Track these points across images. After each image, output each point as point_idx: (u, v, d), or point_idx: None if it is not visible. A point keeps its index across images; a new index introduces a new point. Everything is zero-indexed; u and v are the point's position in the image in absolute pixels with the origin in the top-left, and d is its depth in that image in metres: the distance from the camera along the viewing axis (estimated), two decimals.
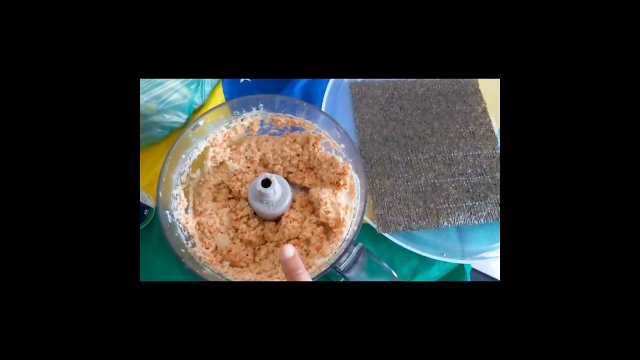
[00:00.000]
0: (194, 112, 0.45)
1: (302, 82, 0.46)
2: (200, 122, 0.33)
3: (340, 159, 0.35)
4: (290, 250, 0.26)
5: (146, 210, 0.40)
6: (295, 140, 0.38)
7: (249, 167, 0.37)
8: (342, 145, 0.35)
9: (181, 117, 0.43)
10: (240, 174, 0.37)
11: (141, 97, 0.39)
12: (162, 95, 0.40)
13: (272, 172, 0.38)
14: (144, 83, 0.39)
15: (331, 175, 0.36)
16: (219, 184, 0.37)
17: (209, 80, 0.45)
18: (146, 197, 0.40)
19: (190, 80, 0.43)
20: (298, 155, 0.38)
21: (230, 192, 0.37)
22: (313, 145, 0.37)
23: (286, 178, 0.37)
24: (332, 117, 0.35)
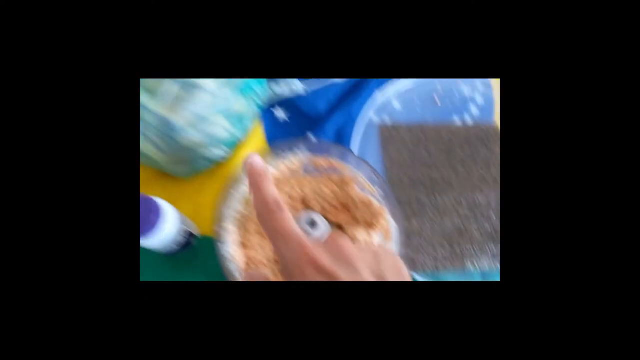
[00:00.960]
0: (236, 147, 0.49)
1: (334, 123, 0.50)
2: None
3: (375, 202, 0.38)
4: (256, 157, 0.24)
5: (194, 240, 0.43)
6: (332, 181, 0.41)
7: (291, 205, 0.41)
8: (379, 191, 0.38)
9: (225, 151, 0.47)
10: None
11: (191, 132, 0.43)
12: (210, 130, 0.44)
13: (310, 208, 0.41)
14: (193, 119, 0.43)
15: (366, 216, 0.39)
16: None
17: (251, 116, 0.49)
18: (191, 225, 0.43)
19: (235, 117, 0.46)
20: (335, 194, 0.41)
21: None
22: (349, 186, 0.40)
23: (323, 215, 0.40)
24: (369, 163, 0.38)
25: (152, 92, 0.41)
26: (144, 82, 0.41)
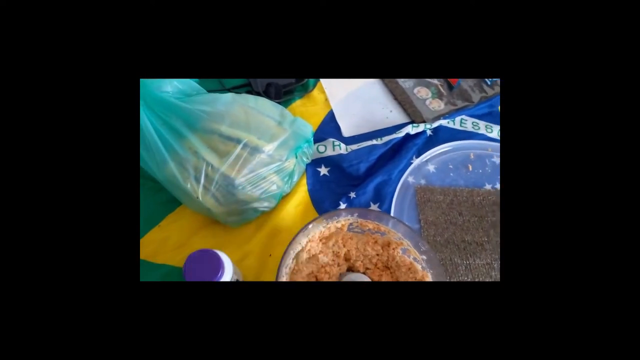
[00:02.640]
0: (282, 198, 0.53)
1: (374, 182, 0.54)
2: (310, 226, 0.41)
3: (419, 267, 0.41)
4: None
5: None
6: (376, 242, 0.44)
7: (334, 261, 0.44)
8: (424, 257, 0.41)
9: (272, 203, 0.51)
10: (327, 267, 0.43)
11: (248, 188, 0.47)
12: (265, 187, 0.48)
13: (354, 267, 0.44)
14: (253, 177, 0.47)
15: (408, 279, 0.42)
16: (310, 274, 0.43)
17: (298, 172, 0.54)
18: (238, 272, 0.47)
19: (285, 174, 0.51)
20: (378, 255, 0.44)
21: (317, 280, 0.43)
22: (393, 249, 0.43)
23: (364, 273, 0.43)
24: (413, 230, 0.41)
25: (221, 154, 0.45)
26: (215, 144, 0.46)
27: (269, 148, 0.47)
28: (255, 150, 0.47)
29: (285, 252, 0.38)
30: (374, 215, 0.43)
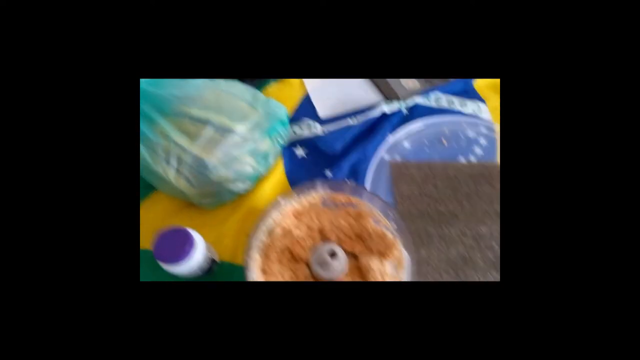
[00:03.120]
0: (257, 180, 0.54)
1: (350, 160, 0.55)
2: (282, 202, 0.41)
3: (389, 234, 0.42)
4: None
5: (215, 265, 0.47)
6: (349, 214, 0.45)
7: (309, 235, 0.44)
8: (394, 225, 0.42)
9: (247, 184, 0.52)
10: (302, 240, 0.44)
11: (222, 169, 0.47)
12: (239, 168, 0.49)
13: (328, 239, 0.44)
14: (225, 158, 0.48)
15: (380, 247, 0.42)
16: (284, 248, 0.44)
17: (273, 153, 0.54)
18: (213, 252, 0.47)
19: (260, 155, 0.51)
20: (351, 226, 0.44)
21: (292, 255, 0.44)
22: (365, 219, 0.44)
23: (338, 244, 0.44)
24: (383, 199, 0.42)
25: (191, 136, 0.46)
26: (185, 127, 0.46)
27: (241, 129, 0.48)
28: (226, 131, 0.47)
29: (256, 227, 0.39)
30: (344, 187, 0.43)
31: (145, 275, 0.43)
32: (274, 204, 0.41)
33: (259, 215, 0.40)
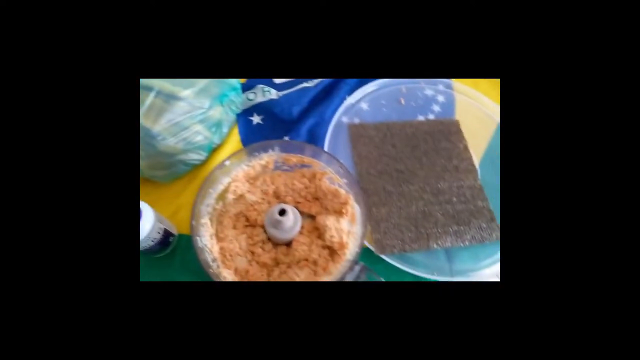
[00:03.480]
0: (213, 150, 0.52)
1: (308, 124, 0.53)
2: (227, 163, 0.40)
3: (342, 191, 0.42)
4: None
5: (171, 238, 0.46)
6: (303, 176, 0.44)
7: (263, 199, 0.43)
8: (344, 180, 0.41)
9: (202, 155, 0.50)
10: (256, 205, 0.43)
11: (169, 139, 0.45)
12: (188, 137, 0.47)
13: (284, 202, 0.44)
14: (172, 127, 0.46)
15: (335, 205, 0.42)
16: (238, 214, 0.43)
17: (227, 122, 0.52)
18: (171, 226, 0.46)
19: (211, 123, 0.49)
20: (306, 187, 0.44)
21: (247, 220, 0.43)
22: (319, 179, 0.43)
23: (295, 207, 0.43)
24: (335, 156, 0.41)
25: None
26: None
27: (186, 94, 0.46)
28: (170, 97, 0.45)
29: (200, 190, 0.37)
30: (294, 147, 0.42)
31: None
32: (219, 167, 0.39)
33: (205, 179, 0.38)
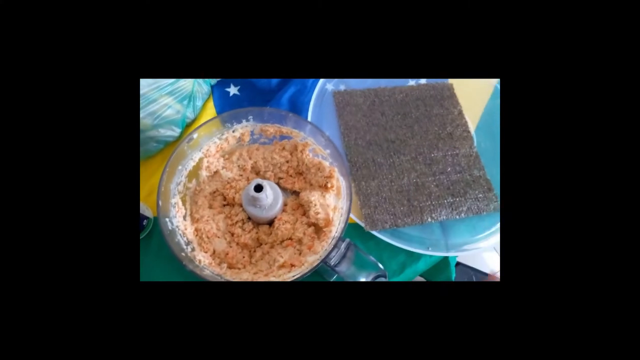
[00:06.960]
0: (187, 126, 0.48)
1: (289, 93, 0.49)
2: (195, 135, 0.36)
3: (326, 164, 0.38)
4: None
5: (145, 221, 0.42)
6: (284, 148, 0.40)
7: (241, 175, 0.40)
8: (328, 151, 0.38)
9: (175, 131, 0.46)
10: (233, 182, 0.39)
11: None
12: (157, 111, 0.43)
13: (264, 178, 0.40)
14: (140, 100, 0.41)
15: (319, 179, 0.38)
16: (214, 192, 0.39)
17: (201, 95, 0.48)
18: (145, 208, 0.42)
19: (182, 96, 0.45)
20: (287, 161, 0.40)
21: (225, 199, 0.39)
22: (301, 152, 0.39)
23: (277, 183, 0.40)
24: (316, 125, 0.37)
25: None
26: None
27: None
28: None
29: (166, 166, 0.34)
30: (272, 116, 0.38)
31: None
32: (187, 140, 0.35)
33: (171, 154, 0.34)
